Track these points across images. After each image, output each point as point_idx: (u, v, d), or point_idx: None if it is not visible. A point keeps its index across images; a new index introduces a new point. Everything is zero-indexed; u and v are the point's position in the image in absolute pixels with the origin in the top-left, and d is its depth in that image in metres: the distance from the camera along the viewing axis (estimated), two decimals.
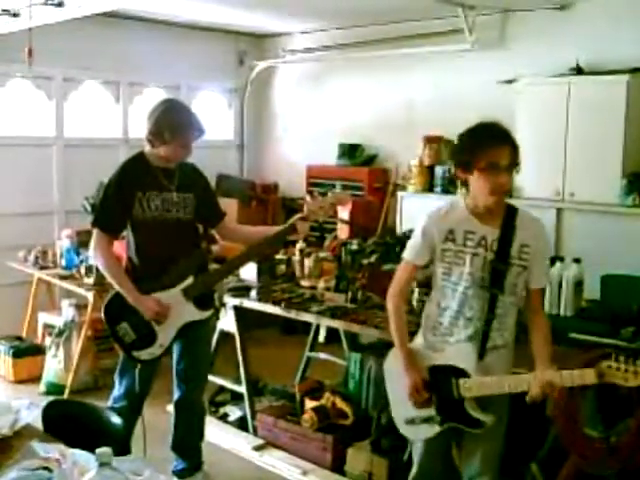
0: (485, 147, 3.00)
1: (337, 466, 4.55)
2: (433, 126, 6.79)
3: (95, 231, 3.94)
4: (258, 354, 5.65)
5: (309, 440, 4.69)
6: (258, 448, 4.89)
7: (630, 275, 4.25)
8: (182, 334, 3.99)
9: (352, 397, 4.79)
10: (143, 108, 7.42)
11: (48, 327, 6.44)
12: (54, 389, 5.86)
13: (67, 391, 5.81)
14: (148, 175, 3.92)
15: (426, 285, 3.61)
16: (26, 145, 7.19)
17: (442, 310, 3.15)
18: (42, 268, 6.43)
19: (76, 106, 7.55)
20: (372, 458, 4.37)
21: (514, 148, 3.04)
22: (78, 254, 6.18)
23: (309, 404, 4.85)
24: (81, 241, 6.16)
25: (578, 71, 6.05)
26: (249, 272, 5.16)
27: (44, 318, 6.62)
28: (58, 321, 6.18)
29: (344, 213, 6.35)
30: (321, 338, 6.16)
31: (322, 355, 5.63)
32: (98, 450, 1.98)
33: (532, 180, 6.17)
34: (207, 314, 4.05)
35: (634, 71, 5.74)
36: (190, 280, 3.92)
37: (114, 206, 3.92)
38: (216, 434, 4.99)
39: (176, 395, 4.23)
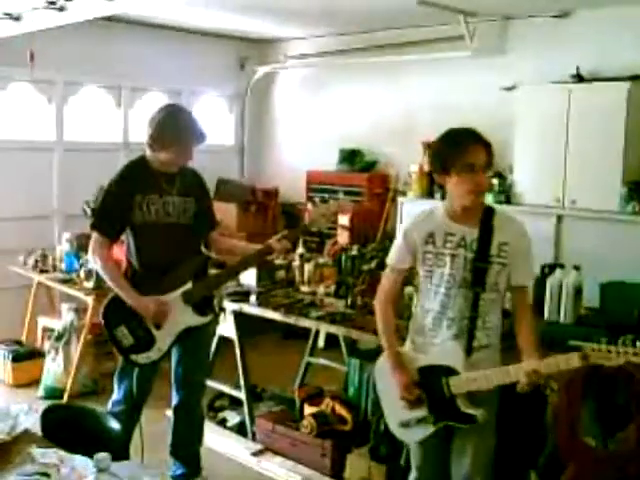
0: (460, 149, 3.08)
1: (336, 472, 4.55)
2: (433, 132, 6.73)
3: (94, 234, 3.94)
4: (257, 359, 5.65)
5: (308, 446, 4.69)
6: (257, 453, 4.89)
7: (630, 282, 4.25)
8: (181, 339, 3.98)
9: (351, 403, 4.78)
10: (144, 113, 7.43)
11: (47, 331, 6.45)
12: (53, 393, 5.86)
13: (66, 395, 5.80)
14: (148, 179, 3.92)
15: None
16: (26, 149, 7.18)
17: (426, 312, 3.22)
18: (42, 272, 6.42)
19: (77, 110, 7.55)
20: (371, 464, 4.37)
21: (488, 148, 3.11)
22: (78, 258, 6.18)
23: (308, 410, 4.84)
24: (81, 245, 6.15)
25: (578, 78, 6.06)
26: (249, 277, 5.16)
27: (44, 322, 6.62)
28: (57, 325, 6.18)
29: (344, 219, 6.35)
30: (320, 343, 6.16)
31: (321, 361, 5.63)
32: (96, 455, 1.98)
33: (532, 187, 6.20)
34: (206, 319, 4.05)
35: (634, 78, 5.75)
36: (189, 285, 3.91)
37: (113, 209, 3.92)
38: (215, 439, 4.99)
39: (175, 400, 4.23)
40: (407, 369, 3.21)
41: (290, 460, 4.76)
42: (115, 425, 2.94)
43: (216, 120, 8.72)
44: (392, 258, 3.31)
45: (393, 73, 7.57)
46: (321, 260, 5.48)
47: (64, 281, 6.14)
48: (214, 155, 7.95)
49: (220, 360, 5.26)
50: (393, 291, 3.35)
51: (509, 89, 6.49)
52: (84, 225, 5.76)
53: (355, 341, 5.13)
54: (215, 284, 4.19)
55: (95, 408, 3.36)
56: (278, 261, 5.37)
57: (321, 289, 5.03)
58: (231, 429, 5.21)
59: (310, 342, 5.66)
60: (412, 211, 6.75)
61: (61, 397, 5.77)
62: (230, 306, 5.01)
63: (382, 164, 7.79)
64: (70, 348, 5.97)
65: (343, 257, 5.32)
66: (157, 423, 4.77)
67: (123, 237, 4.02)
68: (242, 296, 5.03)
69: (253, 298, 4.95)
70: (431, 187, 6.77)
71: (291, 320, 4.70)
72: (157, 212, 3.90)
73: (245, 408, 5.11)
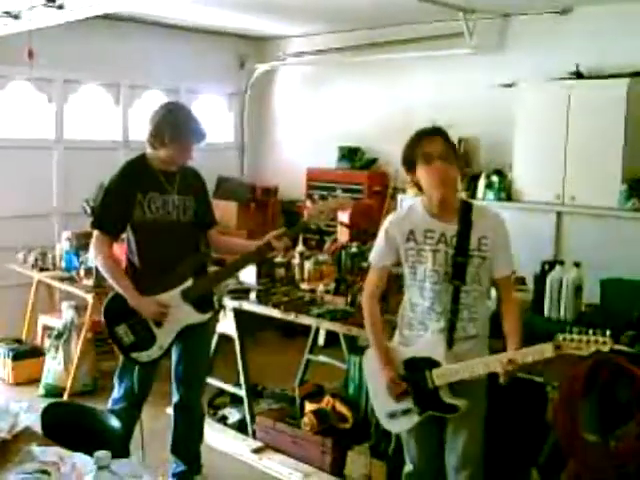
0: (417, 142, 3.24)
1: (336, 469, 4.55)
2: None
3: (95, 233, 3.94)
4: (257, 357, 5.66)
5: (308, 443, 4.69)
6: (257, 451, 4.89)
7: (630, 279, 4.24)
8: (181, 337, 3.98)
9: (352, 400, 4.78)
10: (143, 111, 7.43)
11: (48, 329, 6.45)
12: (53, 391, 5.86)
13: (66, 393, 5.80)
14: (149, 177, 3.92)
15: None
16: (26, 147, 7.19)
17: (414, 306, 3.30)
18: (42, 270, 6.43)
19: (76, 108, 7.55)
20: (371, 461, 4.38)
21: (446, 140, 3.24)
22: (78, 256, 6.18)
23: (309, 407, 4.84)
24: (81, 243, 6.16)
25: (578, 75, 6.06)
26: (249, 275, 5.16)
27: (44, 320, 6.62)
28: (58, 323, 6.18)
29: (344, 216, 6.35)
30: (321, 341, 6.16)
31: (322, 358, 5.63)
32: (97, 453, 1.98)
33: (532, 184, 6.20)
34: (206, 317, 4.05)
35: (634, 75, 5.74)
36: (189, 282, 3.91)
37: (114, 207, 3.93)
38: (215, 437, 4.99)
39: (175, 398, 4.23)
40: (393, 364, 3.30)
41: (290, 457, 4.77)
42: (115, 423, 2.93)
43: (216, 118, 8.72)
44: (373, 257, 3.42)
45: (392, 70, 7.57)
46: (321, 258, 5.48)
47: (64, 279, 6.15)
48: (214, 153, 7.95)
49: (220, 358, 5.26)
50: (377, 288, 3.43)
51: (508, 86, 6.49)
52: (84, 223, 5.77)
53: (355, 338, 5.12)
54: (215, 281, 4.20)
55: (95, 406, 3.36)
56: (278, 259, 5.37)
57: (321, 286, 5.03)
58: (231, 427, 5.21)
59: (310, 339, 5.66)
60: None
61: (61, 395, 5.77)
62: (230, 303, 5.01)
63: (381, 161, 7.78)
64: (70, 346, 5.97)
65: (343, 255, 5.32)
66: (157, 421, 4.77)
67: (124, 235, 4.03)
68: (242, 293, 5.03)
69: (253, 295, 4.95)
70: None
71: (291, 317, 4.70)
72: (157, 210, 3.90)
73: (245, 406, 5.11)
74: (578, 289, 4.17)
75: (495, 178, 6.40)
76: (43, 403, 3.11)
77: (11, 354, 6.20)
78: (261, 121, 9.01)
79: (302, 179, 8.13)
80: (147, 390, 4.14)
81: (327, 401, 4.79)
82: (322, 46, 8.13)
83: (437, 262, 3.19)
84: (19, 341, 6.56)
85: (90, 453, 2.06)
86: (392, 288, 3.96)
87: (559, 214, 6.02)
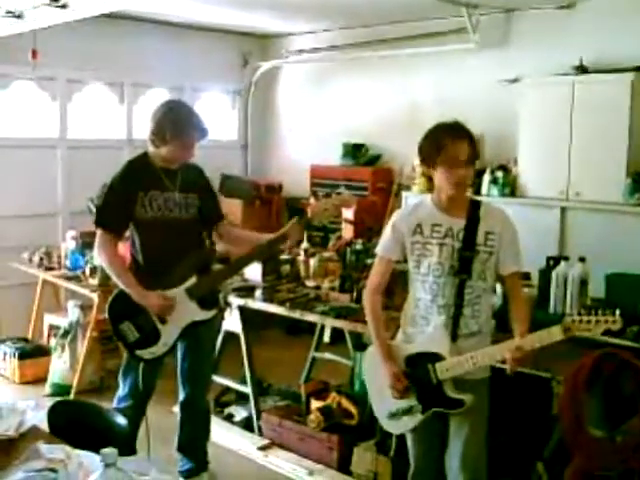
0: (444, 142, 3.15)
1: (342, 466, 4.56)
2: None
3: (98, 231, 3.96)
4: (263, 354, 5.66)
5: (315, 440, 4.70)
6: (263, 448, 4.90)
7: (635, 274, 4.24)
8: (186, 334, 3.99)
9: (358, 397, 4.78)
10: (147, 109, 7.43)
11: (53, 328, 6.46)
12: (60, 390, 5.87)
13: (73, 392, 5.82)
14: (150, 175, 3.93)
15: None
16: (30, 146, 7.20)
17: (417, 301, 3.29)
18: (47, 269, 6.44)
19: (80, 107, 7.56)
20: (377, 458, 4.38)
21: (472, 143, 3.19)
22: (83, 255, 6.19)
23: (315, 404, 4.85)
24: (86, 242, 6.16)
25: (582, 70, 6.04)
26: (254, 272, 5.17)
27: (49, 319, 6.64)
28: (63, 322, 6.19)
29: (348, 213, 6.35)
30: (326, 338, 6.16)
31: (327, 355, 5.63)
32: (103, 451, 1.98)
33: (537, 179, 6.20)
34: (211, 314, 4.05)
35: (638, 69, 5.73)
36: (194, 280, 3.92)
37: (116, 205, 3.94)
38: (221, 434, 5.00)
39: (181, 396, 4.24)
40: (396, 360, 3.28)
41: (297, 454, 4.77)
42: (121, 421, 2.94)
43: (219, 116, 8.73)
44: (381, 249, 3.39)
45: (396, 66, 7.56)
46: (326, 254, 5.49)
47: (69, 278, 6.16)
48: (218, 151, 7.95)
49: (226, 355, 5.27)
50: (381, 282, 3.41)
51: (512, 81, 6.48)
52: (89, 222, 5.75)
53: (361, 335, 5.12)
54: (220, 278, 4.19)
55: (101, 404, 3.37)
56: (283, 256, 5.38)
57: (326, 283, 5.04)
58: (238, 424, 5.21)
59: (315, 337, 5.66)
60: None
61: (67, 394, 5.78)
62: (236, 301, 5.01)
63: (386, 158, 7.78)
64: (76, 345, 5.99)
65: (347, 251, 5.32)
66: (164, 419, 4.78)
67: (128, 234, 4.04)
68: (247, 291, 5.03)
69: (258, 293, 4.95)
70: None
71: (296, 315, 4.71)
72: (159, 208, 3.91)
73: (251, 403, 5.11)
74: (583, 284, 4.17)
75: (499, 174, 6.39)
76: (49, 402, 3.12)
77: (17, 353, 6.22)
78: (265, 119, 9.02)
79: (306, 176, 8.13)
80: (152, 388, 4.15)
81: (333, 398, 4.80)
82: (325, 43, 8.12)
83: (443, 255, 3.18)
84: (25, 340, 6.58)
85: (97, 451, 2.06)
86: (398, 284, 3.95)
87: (563, 209, 6.02)
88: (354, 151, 7.82)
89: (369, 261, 4.99)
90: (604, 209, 5.78)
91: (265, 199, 8.26)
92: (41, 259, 6.49)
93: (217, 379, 5.12)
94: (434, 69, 7.31)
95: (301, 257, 5.37)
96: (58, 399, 3.58)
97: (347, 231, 6.34)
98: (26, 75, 6.97)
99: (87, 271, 5.95)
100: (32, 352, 6.30)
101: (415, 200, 3.73)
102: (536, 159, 6.24)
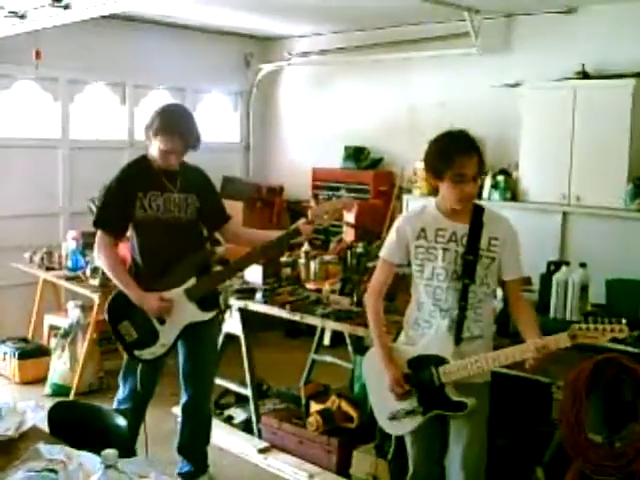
0: (453, 158, 3.15)
1: (342, 469, 4.55)
2: (438, 129, 6.77)
3: (98, 232, 3.97)
4: (263, 357, 5.66)
5: (314, 443, 4.69)
6: (263, 451, 4.89)
7: (635, 279, 4.25)
8: (187, 336, 3.99)
9: (357, 400, 4.78)
10: (149, 110, 7.43)
11: (54, 329, 6.46)
12: (60, 391, 5.87)
13: (72, 393, 5.82)
14: (150, 176, 3.93)
15: None
16: (32, 147, 7.20)
17: (420, 305, 3.30)
18: (48, 269, 6.43)
19: (82, 108, 7.57)
20: (377, 461, 4.37)
21: (479, 158, 3.20)
22: (84, 255, 6.19)
23: (314, 407, 4.84)
24: (87, 243, 6.16)
25: (584, 75, 6.05)
26: (254, 274, 5.17)
27: (50, 320, 6.64)
28: (64, 323, 6.19)
29: (350, 216, 6.36)
30: (326, 341, 6.16)
31: (327, 358, 5.63)
32: (103, 452, 1.98)
33: (538, 184, 6.20)
34: (210, 315, 4.05)
35: None
36: (193, 281, 3.92)
37: (115, 207, 3.95)
38: (221, 437, 4.99)
39: (184, 398, 4.23)
40: (398, 363, 3.28)
41: (296, 457, 4.77)
42: (121, 422, 2.94)
43: (221, 118, 8.73)
44: (385, 252, 3.40)
45: (398, 70, 7.57)
46: (326, 257, 5.49)
47: (70, 279, 6.16)
48: (219, 153, 7.96)
49: (226, 357, 5.26)
50: (383, 285, 3.42)
51: (513, 86, 6.49)
52: (90, 223, 5.76)
53: (361, 338, 5.13)
54: (219, 280, 4.18)
55: (101, 405, 3.37)
56: (284, 258, 5.38)
57: (326, 286, 5.03)
58: (237, 426, 5.21)
59: (316, 339, 5.66)
60: None
61: (67, 394, 5.78)
62: (236, 303, 5.01)
63: (387, 161, 7.78)
64: (76, 346, 5.99)
65: (348, 254, 5.31)
66: (163, 421, 4.78)
67: (129, 234, 4.04)
68: (248, 293, 5.03)
69: (259, 295, 4.95)
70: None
71: (296, 317, 4.71)
72: (158, 208, 3.91)
73: (251, 405, 5.11)
74: (584, 289, 4.18)
75: (501, 178, 6.40)
76: (49, 402, 3.12)
77: (17, 353, 6.22)
78: (267, 121, 9.02)
79: (308, 179, 8.13)
80: (151, 390, 4.14)
81: (333, 401, 4.80)
82: (327, 46, 8.14)
83: (446, 260, 3.19)
84: (25, 340, 6.57)
85: (97, 452, 2.06)
86: (401, 288, 3.95)
87: (565, 214, 6.02)
88: (356, 154, 7.82)
89: (370, 264, 4.99)
90: (605, 214, 5.78)
91: (266, 201, 8.26)
92: (42, 259, 6.48)
93: (217, 381, 5.11)
94: (436, 73, 7.31)
95: (302, 260, 5.37)
96: (58, 399, 3.58)
97: (348, 234, 6.34)
98: (28, 75, 6.98)
99: (88, 272, 5.95)
100: (32, 352, 6.30)
101: (417, 203, 3.74)
102: (537, 164, 6.24)
